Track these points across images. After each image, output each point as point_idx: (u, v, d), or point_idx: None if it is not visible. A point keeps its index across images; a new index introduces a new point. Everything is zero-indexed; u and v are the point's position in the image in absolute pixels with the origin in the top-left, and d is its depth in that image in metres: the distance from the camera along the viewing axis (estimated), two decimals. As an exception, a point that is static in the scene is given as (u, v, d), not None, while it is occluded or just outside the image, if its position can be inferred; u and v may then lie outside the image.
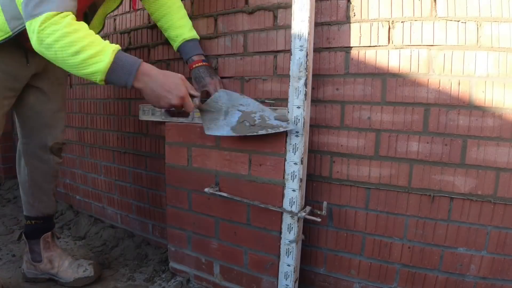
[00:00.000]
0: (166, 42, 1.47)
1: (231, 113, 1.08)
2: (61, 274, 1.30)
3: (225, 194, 1.17)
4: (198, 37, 1.27)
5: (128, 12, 1.61)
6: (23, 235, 1.35)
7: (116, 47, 0.85)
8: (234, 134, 1.06)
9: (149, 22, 1.53)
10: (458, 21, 0.92)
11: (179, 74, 0.95)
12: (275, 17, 1.17)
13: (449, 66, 0.94)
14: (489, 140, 0.92)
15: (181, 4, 1.27)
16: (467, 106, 0.93)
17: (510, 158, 0.90)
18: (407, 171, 1.02)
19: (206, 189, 1.20)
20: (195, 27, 1.33)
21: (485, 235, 0.95)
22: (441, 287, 1.01)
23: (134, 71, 0.86)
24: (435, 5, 0.94)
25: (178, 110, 0.95)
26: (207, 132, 1.09)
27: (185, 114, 0.99)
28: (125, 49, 1.64)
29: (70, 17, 0.81)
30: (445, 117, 0.96)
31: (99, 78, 0.84)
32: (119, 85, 0.88)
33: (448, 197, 0.98)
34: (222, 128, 1.08)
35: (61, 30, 0.79)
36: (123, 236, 1.72)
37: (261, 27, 1.20)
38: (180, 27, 1.23)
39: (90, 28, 0.89)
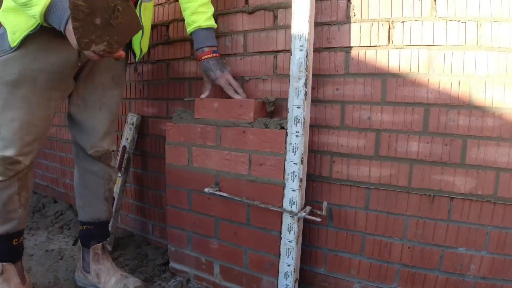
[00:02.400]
0: (166, 42, 1.47)
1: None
2: None
3: (225, 194, 1.17)
4: (215, 26, 1.21)
5: (128, 12, 1.61)
6: (79, 240, 1.32)
7: None
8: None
9: (149, 22, 1.53)
10: (458, 21, 0.92)
11: None
12: (275, 17, 1.17)
13: (449, 66, 0.94)
14: (489, 140, 0.92)
15: None
16: (467, 106, 0.93)
17: (510, 158, 0.90)
18: (407, 171, 1.02)
19: (206, 189, 1.20)
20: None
21: (485, 235, 0.95)
22: (441, 287, 1.01)
23: (67, 16, 0.85)
24: (435, 5, 0.94)
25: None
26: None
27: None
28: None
29: None
30: (445, 117, 0.96)
31: (39, 20, 0.88)
32: (57, 28, 0.88)
33: (448, 197, 0.98)
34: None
35: None
36: (123, 236, 1.72)
37: (261, 27, 1.20)
38: (198, 14, 1.17)
39: None
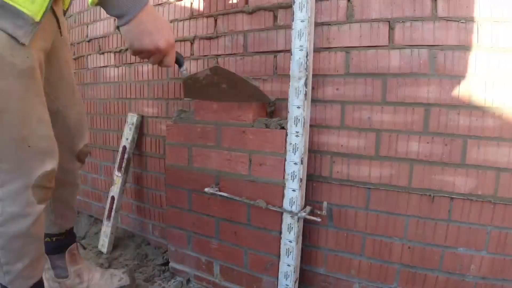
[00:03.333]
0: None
1: (218, 85, 1.10)
2: (93, 286, 1.15)
3: (225, 194, 1.17)
4: None
5: (128, 12, 1.61)
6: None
7: None
8: (214, 100, 1.13)
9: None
10: (458, 21, 0.92)
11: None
12: (275, 17, 1.17)
13: (449, 66, 0.94)
14: (490, 140, 0.92)
15: None
16: (467, 106, 0.93)
17: (510, 158, 0.90)
18: (407, 171, 1.02)
19: (206, 189, 1.20)
20: (195, 27, 1.33)
21: (486, 235, 0.95)
22: (442, 287, 1.01)
23: (143, 4, 0.72)
24: (435, 5, 0.94)
25: (156, 60, 0.81)
26: (185, 97, 1.17)
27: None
28: (125, 49, 1.65)
29: None
30: (445, 117, 0.96)
31: None
32: (112, 12, 0.73)
33: (449, 197, 0.98)
34: (200, 95, 1.10)
35: None
36: (123, 236, 1.72)
37: (261, 27, 1.20)
38: None
39: None
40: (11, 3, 0.66)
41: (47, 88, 0.85)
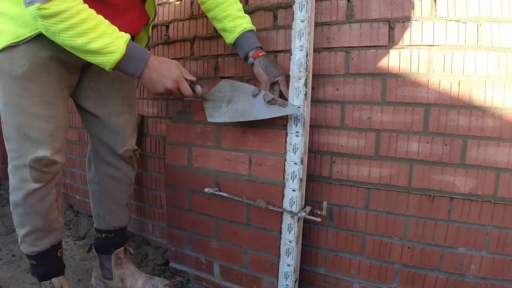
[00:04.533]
0: (166, 42, 1.47)
1: (235, 100, 1.08)
2: None
3: (225, 194, 1.17)
4: (255, 30, 1.10)
5: (128, 12, 1.61)
6: (93, 248, 1.25)
7: (126, 37, 0.84)
8: (236, 120, 1.07)
9: (149, 22, 1.53)
10: (458, 21, 0.92)
11: (174, 60, 0.96)
12: (275, 17, 1.17)
13: (449, 66, 0.94)
14: (489, 140, 0.92)
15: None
16: (467, 106, 0.93)
17: (510, 158, 0.90)
18: (407, 171, 1.02)
19: (206, 189, 1.20)
20: (195, 27, 1.34)
21: (485, 235, 0.95)
22: (441, 287, 1.01)
23: (143, 64, 0.87)
24: (435, 5, 0.94)
25: (176, 95, 0.97)
26: (209, 119, 1.10)
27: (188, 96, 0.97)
28: (125, 49, 1.65)
29: (68, 3, 0.75)
30: (445, 117, 0.96)
31: (108, 67, 0.83)
32: (127, 73, 0.88)
33: (448, 197, 0.98)
34: (224, 115, 1.09)
35: (66, 22, 0.75)
36: (123, 236, 1.72)
37: (261, 27, 1.20)
38: (240, 18, 1.07)
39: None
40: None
41: (97, 97, 1.08)
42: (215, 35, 1.31)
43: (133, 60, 0.86)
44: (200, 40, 1.36)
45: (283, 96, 1.06)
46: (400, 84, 1.00)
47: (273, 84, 1.06)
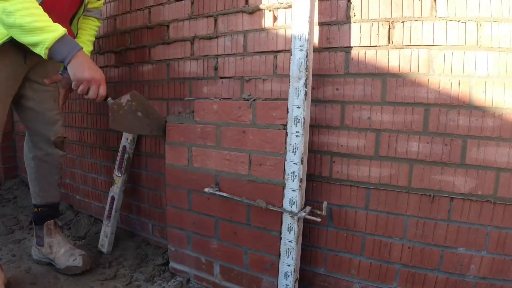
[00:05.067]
0: (166, 42, 1.47)
1: (134, 113, 1.25)
2: (56, 260, 1.40)
3: (225, 194, 1.17)
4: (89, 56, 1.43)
5: (129, 12, 1.61)
6: (32, 221, 1.48)
7: (64, 28, 1.03)
8: (127, 131, 1.42)
9: (149, 22, 1.53)
10: (458, 21, 0.92)
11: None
12: (275, 17, 1.17)
13: (449, 66, 0.94)
14: (489, 140, 0.92)
15: (95, 33, 1.49)
16: (467, 106, 0.93)
17: (510, 158, 0.90)
18: (407, 171, 1.02)
19: (206, 189, 1.20)
20: (195, 27, 1.33)
21: (485, 235, 0.95)
22: (441, 287, 1.01)
23: (76, 50, 1.05)
24: (435, 5, 0.94)
25: (91, 94, 1.11)
26: (111, 126, 1.25)
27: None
28: (125, 49, 1.65)
29: None
30: (445, 117, 0.96)
31: (47, 44, 0.99)
32: (57, 58, 1.03)
33: (448, 197, 0.98)
34: (120, 125, 1.26)
35: (20, 4, 0.96)
36: (123, 236, 1.72)
37: (261, 27, 1.20)
38: (84, 43, 1.41)
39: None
40: None
41: (37, 97, 1.33)
42: (215, 35, 1.31)
43: (69, 44, 1.03)
44: (200, 40, 1.36)
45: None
46: (400, 84, 1.00)
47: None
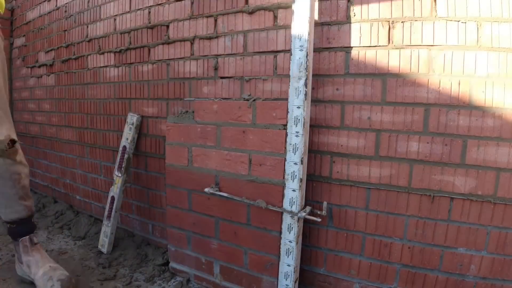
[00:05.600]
0: (166, 42, 1.47)
1: None
2: (36, 281, 1.25)
3: (225, 194, 1.17)
4: None
5: (128, 12, 1.61)
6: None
7: None
8: None
9: (149, 22, 1.53)
10: (458, 21, 0.92)
11: None
12: (275, 17, 1.17)
13: (449, 66, 0.94)
14: (489, 140, 0.92)
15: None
16: (467, 106, 0.93)
17: (510, 158, 0.90)
18: (407, 171, 1.02)
19: (206, 189, 1.20)
20: (195, 27, 1.33)
21: (485, 235, 0.95)
22: (441, 287, 1.01)
23: None
24: (435, 5, 0.94)
25: None
26: None
27: None
28: (125, 49, 1.65)
29: None
30: (445, 117, 0.96)
31: None
32: None
33: (448, 197, 0.98)
34: None
35: None
36: (123, 236, 1.72)
37: (261, 27, 1.20)
38: None
39: None
40: None
41: None
42: (215, 35, 1.31)
43: None
44: (200, 40, 1.36)
45: None
46: (400, 84, 1.00)
47: None
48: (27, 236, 1.31)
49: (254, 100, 1.13)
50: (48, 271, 1.24)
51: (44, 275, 1.23)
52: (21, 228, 1.31)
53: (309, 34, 1.00)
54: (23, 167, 1.28)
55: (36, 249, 1.31)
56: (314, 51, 1.08)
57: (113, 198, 1.59)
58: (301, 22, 1.00)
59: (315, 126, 1.13)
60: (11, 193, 1.25)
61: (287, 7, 1.13)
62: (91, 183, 1.96)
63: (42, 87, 2.26)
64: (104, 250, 1.56)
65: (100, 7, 1.78)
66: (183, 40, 1.41)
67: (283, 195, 1.08)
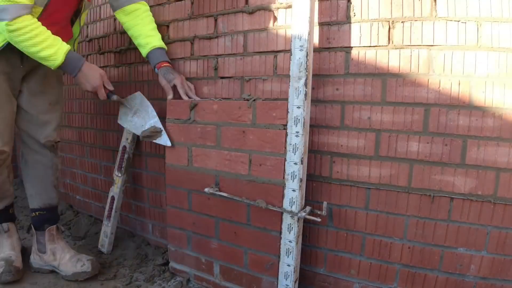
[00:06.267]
0: (166, 42, 1.47)
1: (138, 114, 1.41)
2: (61, 266, 1.36)
3: (225, 194, 1.17)
4: (165, 47, 1.39)
5: (128, 12, 1.61)
6: (32, 226, 1.45)
7: (66, 48, 1.17)
8: (132, 131, 1.47)
9: (149, 22, 1.52)
10: (458, 21, 0.92)
11: (101, 70, 1.30)
12: (275, 17, 1.17)
13: (449, 66, 0.94)
14: (489, 140, 0.92)
15: (152, 18, 1.40)
16: (467, 106, 0.93)
17: (510, 158, 0.90)
18: (407, 171, 1.02)
19: (206, 189, 1.20)
20: (195, 27, 1.34)
21: (485, 235, 0.95)
22: (441, 287, 1.01)
23: (77, 69, 1.23)
24: (435, 5, 0.94)
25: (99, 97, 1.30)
26: (118, 121, 1.46)
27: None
28: (125, 49, 1.65)
29: (26, 21, 1.08)
30: (445, 117, 0.96)
31: (53, 68, 1.18)
32: (67, 72, 1.25)
33: (448, 197, 0.98)
34: (127, 122, 1.46)
35: (24, 35, 1.09)
36: (123, 236, 1.72)
37: (261, 27, 1.20)
38: (151, 36, 1.36)
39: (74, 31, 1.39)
40: None
41: (31, 99, 1.36)
42: (215, 35, 1.31)
43: (70, 66, 1.21)
44: (200, 40, 1.36)
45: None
46: (400, 84, 1.00)
47: (175, 87, 1.32)
48: (55, 225, 1.44)
49: (254, 100, 1.13)
50: (75, 254, 1.39)
51: (71, 257, 1.37)
52: (51, 216, 1.45)
53: (309, 34, 1.00)
54: (59, 160, 1.51)
55: (60, 238, 1.45)
56: (314, 51, 1.08)
57: (113, 198, 1.59)
58: (301, 22, 1.00)
59: (315, 126, 1.13)
60: (49, 180, 1.44)
61: (287, 7, 1.13)
62: (91, 183, 1.96)
63: (42, 87, 2.26)
64: (104, 250, 1.56)
65: (100, 7, 1.78)
66: (183, 40, 1.41)
67: (283, 195, 1.08)
